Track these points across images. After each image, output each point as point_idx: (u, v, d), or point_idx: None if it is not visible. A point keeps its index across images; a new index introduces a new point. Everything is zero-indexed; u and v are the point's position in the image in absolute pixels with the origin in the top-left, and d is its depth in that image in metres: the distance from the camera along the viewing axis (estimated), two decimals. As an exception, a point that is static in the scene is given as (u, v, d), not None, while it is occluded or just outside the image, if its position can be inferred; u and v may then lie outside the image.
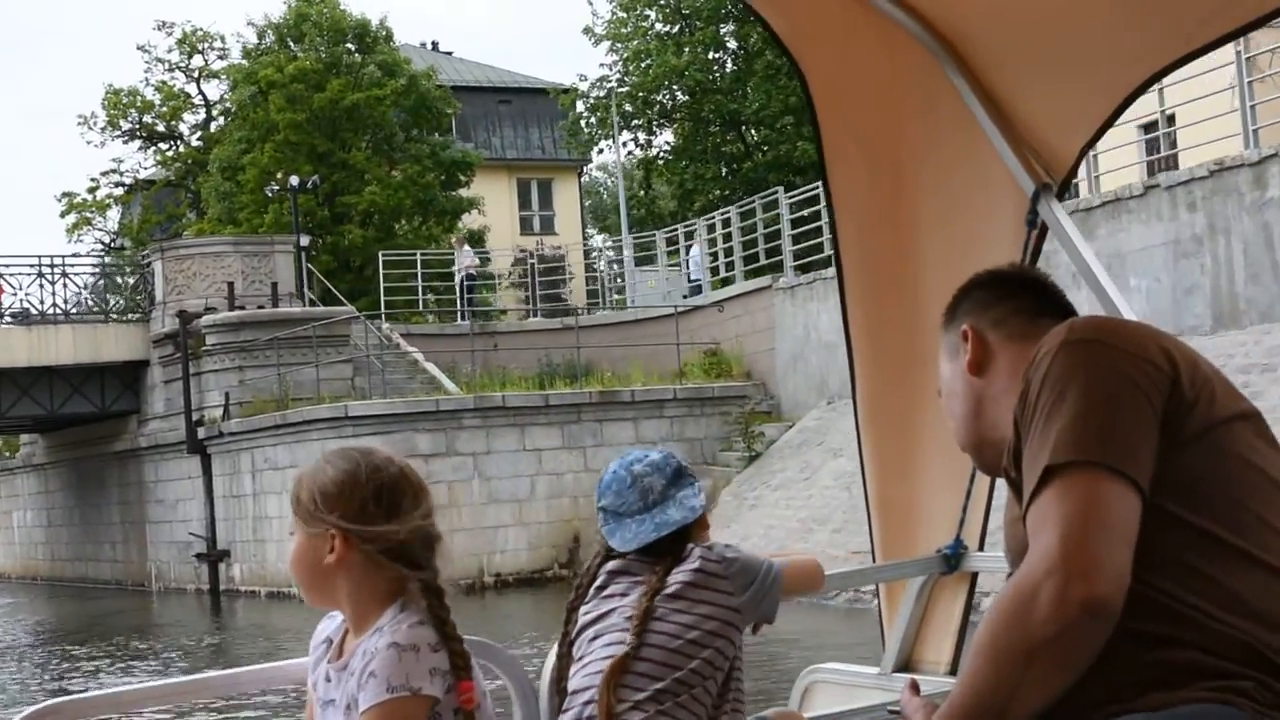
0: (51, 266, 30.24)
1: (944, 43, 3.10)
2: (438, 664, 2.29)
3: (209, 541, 27.78)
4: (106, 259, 40.20)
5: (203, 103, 45.27)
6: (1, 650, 22.04)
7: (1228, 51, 18.74)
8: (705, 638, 2.65)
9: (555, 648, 2.82)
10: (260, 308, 28.57)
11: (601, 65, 52.00)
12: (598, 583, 2.80)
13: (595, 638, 2.72)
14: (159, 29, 51.56)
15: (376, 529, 2.34)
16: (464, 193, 39.70)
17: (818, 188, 21.65)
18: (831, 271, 17.38)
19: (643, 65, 37.05)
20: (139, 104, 44.80)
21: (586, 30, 38.38)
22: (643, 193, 41.68)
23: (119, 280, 32.59)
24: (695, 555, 2.74)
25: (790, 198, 26.20)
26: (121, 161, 47.63)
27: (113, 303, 31.66)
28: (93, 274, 33.40)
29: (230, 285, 28.77)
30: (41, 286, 29.85)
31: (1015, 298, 2.25)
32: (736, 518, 21.90)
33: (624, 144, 38.49)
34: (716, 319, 27.48)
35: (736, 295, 27.21)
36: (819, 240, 24.97)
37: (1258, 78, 18.93)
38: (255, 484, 25.78)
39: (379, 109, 37.35)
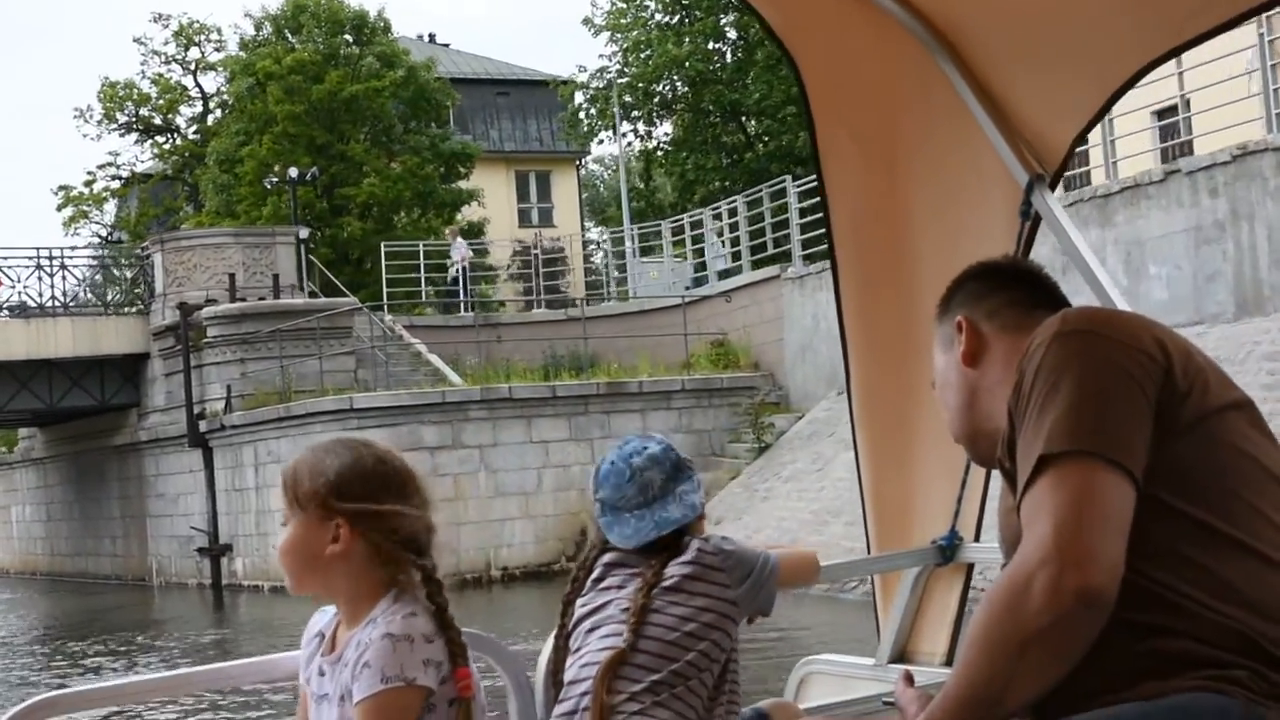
0: (50, 259, 29.93)
1: (937, 34, 3.10)
2: (432, 655, 2.28)
3: (211, 536, 27.58)
4: (105, 252, 39.72)
5: (199, 95, 45.15)
6: (0, 646, 21.70)
7: (1247, 34, 18.42)
8: (702, 630, 2.64)
9: (551, 640, 2.82)
10: (261, 299, 28.33)
11: (601, 56, 51.66)
12: (594, 575, 2.79)
13: (592, 630, 2.71)
14: (155, 21, 51.29)
15: (391, 517, 2.35)
16: (463, 185, 39.31)
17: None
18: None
19: (642, 56, 36.82)
20: (135, 97, 44.69)
21: (586, 21, 38.14)
22: (643, 184, 41.33)
23: (115, 273, 32.11)
24: (692, 547, 2.73)
25: (798, 187, 25.84)
26: (118, 155, 47.35)
27: (111, 295, 31.18)
28: (91, 266, 33.01)
29: (231, 277, 28.52)
30: (40, 279, 29.61)
31: (1009, 289, 2.26)
32: (748, 509, 21.57)
33: (624, 135, 38.12)
34: (723, 309, 27.23)
35: (744, 285, 26.94)
36: (827, 229, 24.52)
37: (1280, 61, 18.56)
38: (258, 477, 25.43)
39: (378, 100, 37.20)
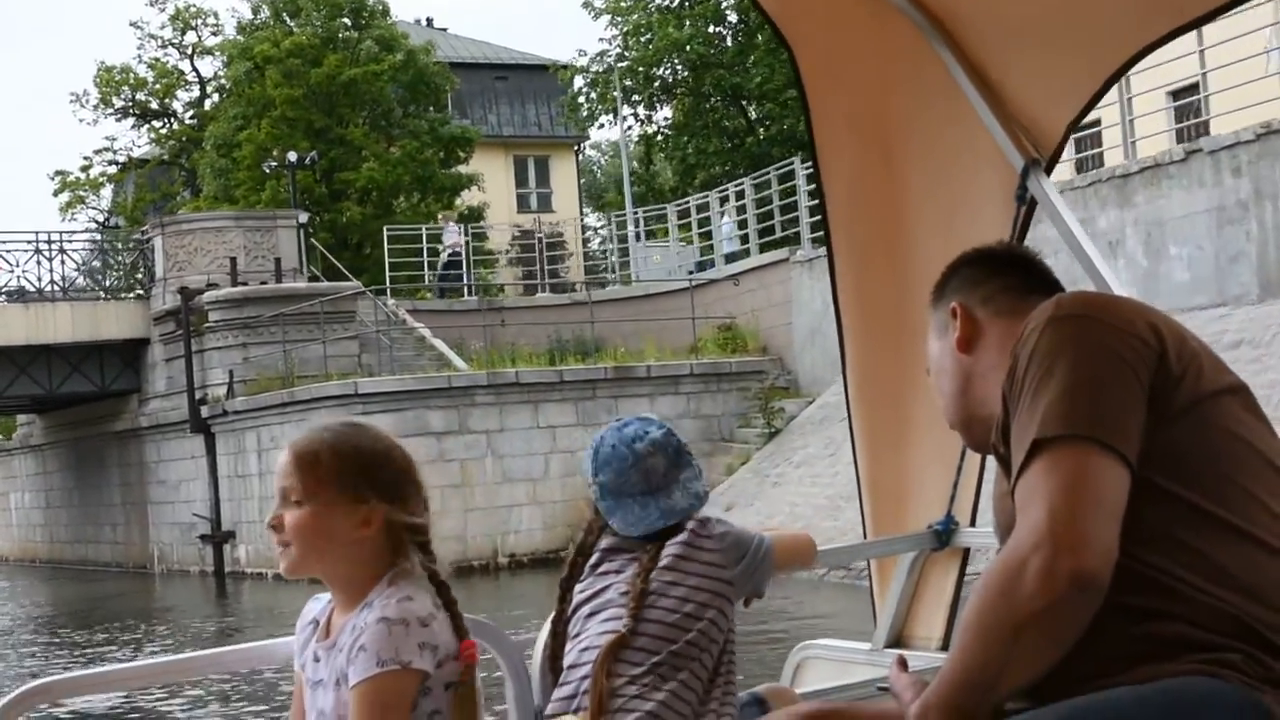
0: (49, 243, 29.57)
1: (932, 18, 3.10)
2: (428, 638, 2.29)
3: (213, 522, 27.41)
4: (103, 237, 39.38)
5: (196, 80, 44.86)
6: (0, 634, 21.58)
7: (1264, 13, 18.11)
8: (700, 610, 2.64)
9: (547, 625, 2.81)
10: (263, 283, 28.02)
11: (601, 40, 51.37)
12: (591, 560, 2.78)
13: (592, 615, 2.70)
14: (152, 5, 50.92)
15: (413, 505, 2.40)
16: (462, 169, 38.96)
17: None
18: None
19: (643, 39, 36.55)
20: (132, 81, 44.72)
21: (586, 4, 37.73)
22: (643, 169, 41.04)
23: (113, 259, 31.70)
24: (687, 528, 2.74)
25: (807, 169, 25.47)
26: (115, 139, 46.98)
27: (110, 280, 30.79)
28: (90, 250, 32.60)
29: (232, 261, 28.28)
30: (39, 263, 29.27)
31: (1004, 275, 2.27)
32: (759, 495, 21.28)
33: (625, 119, 37.83)
34: (730, 293, 26.96)
35: (752, 269, 26.56)
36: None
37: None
38: (261, 463, 25.14)
39: (376, 84, 37.06)
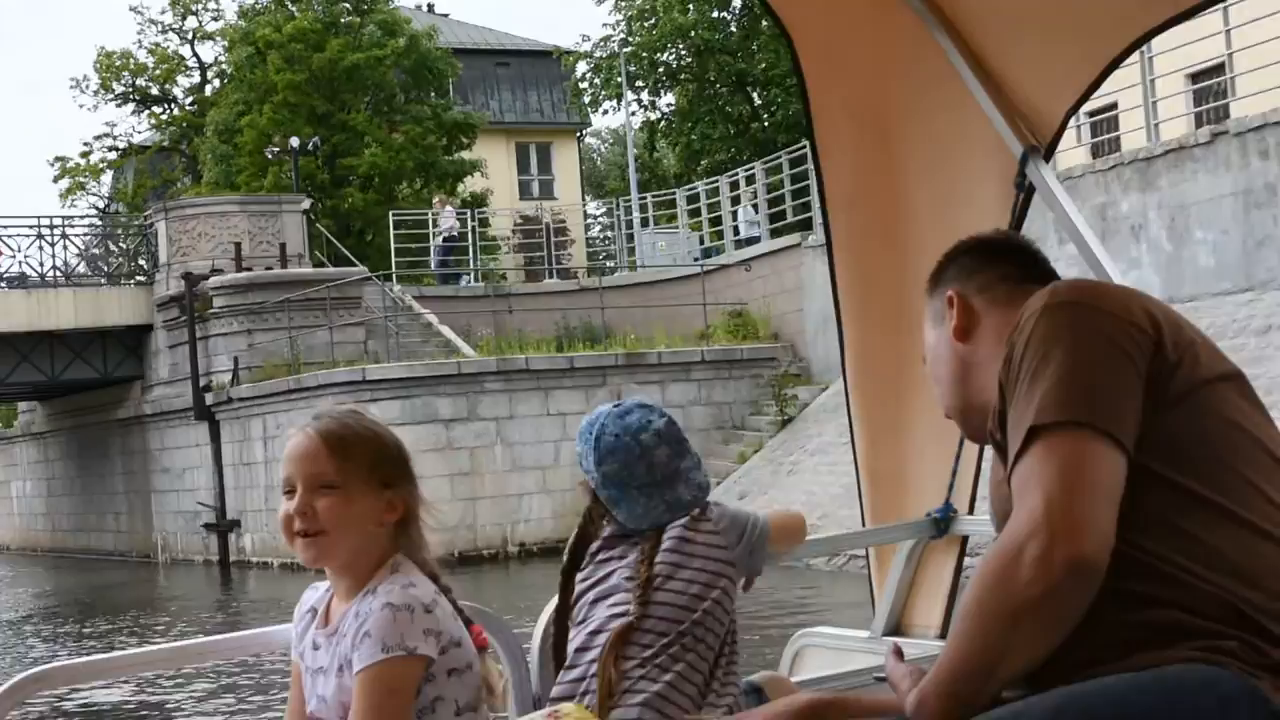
0: (51, 228, 29.21)
1: (931, 5, 3.11)
2: (432, 625, 2.31)
3: (218, 511, 27.27)
4: (108, 221, 39.08)
5: (197, 65, 44.55)
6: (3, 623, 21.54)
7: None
8: (705, 591, 2.65)
9: (546, 613, 2.82)
10: (268, 269, 27.64)
11: (605, 25, 51.08)
12: (591, 549, 2.79)
13: (597, 600, 2.70)
14: (151, -10, 50.28)
15: (417, 492, 2.44)
16: (465, 155, 38.63)
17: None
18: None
19: (647, 24, 36.28)
20: (132, 66, 44.67)
21: (590, -12, 37.30)
22: (646, 155, 40.77)
23: (114, 245, 31.32)
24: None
25: (820, 153, 25.07)
26: (115, 125, 46.63)
27: (113, 265, 30.42)
28: (93, 236, 32.24)
29: (237, 246, 28.03)
30: (41, 249, 28.88)
31: (1000, 263, 2.28)
32: (773, 484, 20.99)
33: (629, 104, 37.51)
34: (739, 279, 26.71)
35: (764, 254, 26.21)
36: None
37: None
38: (267, 451, 24.84)
39: (379, 69, 36.85)
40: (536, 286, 31.59)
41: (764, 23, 34.43)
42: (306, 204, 30.77)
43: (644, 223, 32.93)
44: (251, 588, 24.18)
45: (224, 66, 41.88)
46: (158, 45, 44.03)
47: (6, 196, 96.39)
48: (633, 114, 38.68)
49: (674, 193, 32.85)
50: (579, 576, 2.77)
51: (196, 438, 27.83)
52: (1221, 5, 17.60)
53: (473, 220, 32.44)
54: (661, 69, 37.11)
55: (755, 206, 28.56)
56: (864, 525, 3.68)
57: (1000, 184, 3.13)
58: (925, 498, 3.54)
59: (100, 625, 19.42)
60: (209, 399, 26.91)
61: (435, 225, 31.56)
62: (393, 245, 31.19)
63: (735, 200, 29.24)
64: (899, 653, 2.15)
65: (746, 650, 2.74)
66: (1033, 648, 1.84)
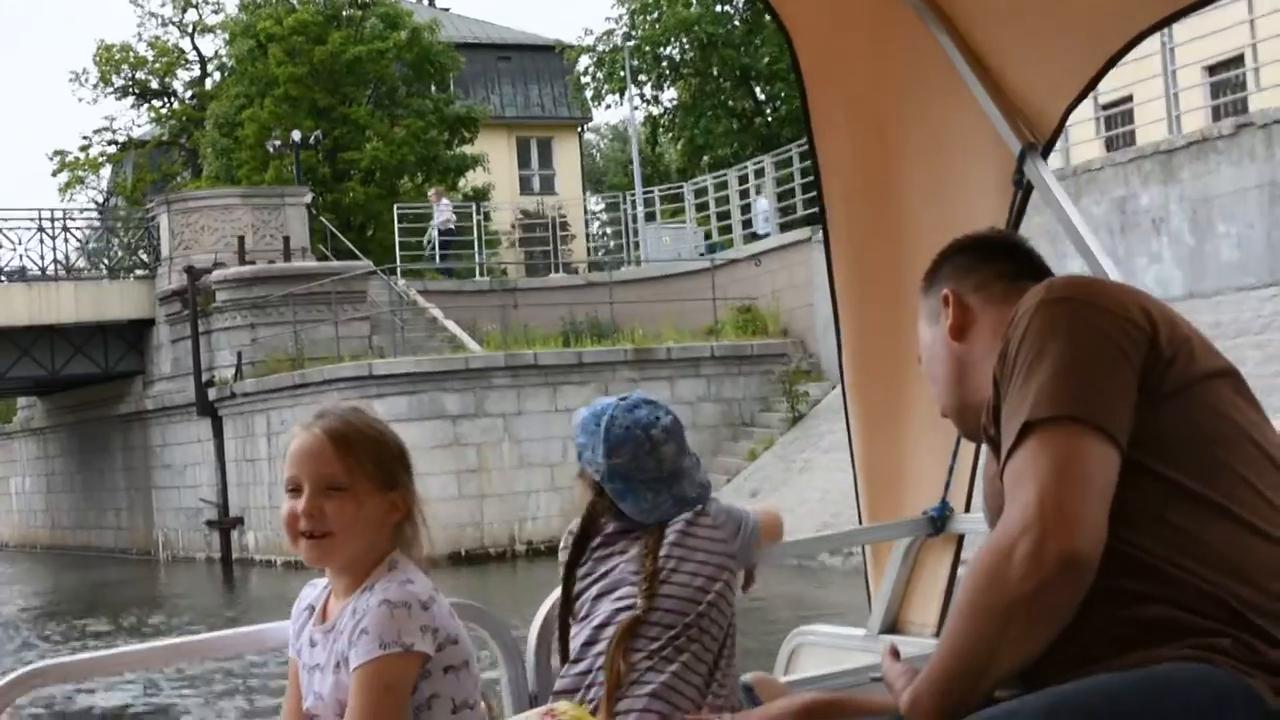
0: (52, 221, 28.95)
1: (929, 1, 3.11)
2: (428, 621, 2.32)
3: (220, 508, 27.10)
4: (109, 215, 38.78)
5: (197, 58, 44.34)
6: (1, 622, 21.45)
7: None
8: (708, 584, 2.68)
9: (544, 608, 2.83)
10: (272, 263, 27.28)
11: (607, 19, 50.82)
12: (593, 543, 2.78)
13: (601, 594, 2.72)
14: (152, -17, 50.05)
15: (414, 490, 2.47)
16: (466, 150, 38.36)
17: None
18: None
19: (650, 18, 36.11)
20: (132, 60, 44.54)
21: (594, -18, 37.02)
22: (648, 150, 40.54)
23: (116, 238, 30.96)
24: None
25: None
26: (114, 119, 46.30)
27: (114, 259, 30.07)
28: (94, 229, 31.91)
29: (240, 239, 27.69)
30: (42, 242, 28.64)
31: (996, 261, 2.28)
32: (785, 482, 20.73)
33: (633, 98, 37.26)
34: (747, 274, 26.51)
35: (773, 249, 25.93)
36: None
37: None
38: (270, 447, 24.56)
39: (381, 63, 36.67)
40: (542, 281, 31.46)
41: (767, 17, 34.20)
42: (309, 197, 30.48)
43: (649, 217, 32.70)
44: (255, 586, 24.01)
45: (224, 60, 41.85)
46: (158, 38, 43.95)
47: (5, 190, 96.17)
48: (635, 108, 38.46)
49: (680, 187, 32.68)
50: (579, 570, 2.78)
51: (199, 433, 27.67)
52: (1222, 2, 17.29)
53: (477, 214, 32.19)
54: (665, 63, 37.03)
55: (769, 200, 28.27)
56: (860, 523, 3.71)
57: (998, 181, 3.15)
58: (922, 496, 3.55)
59: (101, 624, 19.23)
60: (212, 394, 26.76)
61: (431, 218, 31.31)
62: (397, 239, 31.01)
63: (744, 194, 29.03)
64: (895, 652, 2.15)
65: (768, 647, 2.77)
66: (1026, 644, 1.85)
